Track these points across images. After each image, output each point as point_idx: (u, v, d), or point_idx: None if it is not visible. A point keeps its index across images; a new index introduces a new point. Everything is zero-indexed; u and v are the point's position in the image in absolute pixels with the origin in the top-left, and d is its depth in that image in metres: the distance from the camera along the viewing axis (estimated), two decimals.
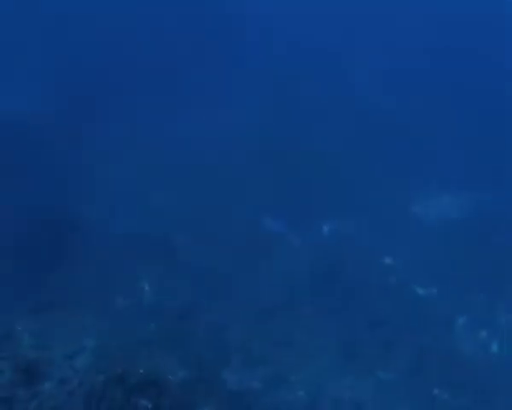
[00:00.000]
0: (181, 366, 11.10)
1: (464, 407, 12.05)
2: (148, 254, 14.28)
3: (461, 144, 19.43)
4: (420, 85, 21.77)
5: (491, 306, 14.50)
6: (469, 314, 14.23)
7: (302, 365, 12.58)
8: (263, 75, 20.81)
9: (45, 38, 20.32)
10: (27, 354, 8.99)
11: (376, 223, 16.43)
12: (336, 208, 16.76)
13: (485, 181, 18.06)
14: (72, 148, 16.77)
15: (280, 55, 22.18)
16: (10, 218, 14.04)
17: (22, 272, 12.89)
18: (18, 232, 13.75)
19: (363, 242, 15.82)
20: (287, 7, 24.03)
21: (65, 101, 18.13)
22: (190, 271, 14.07)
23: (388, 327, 13.70)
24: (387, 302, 14.29)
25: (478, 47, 23.25)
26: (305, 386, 11.75)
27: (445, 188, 17.84)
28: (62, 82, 18.74)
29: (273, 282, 14.47)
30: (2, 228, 13.73)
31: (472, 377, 12.60)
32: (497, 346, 13.56)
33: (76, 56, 19.94)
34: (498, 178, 18.47)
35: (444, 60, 23.02)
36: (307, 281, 14.70)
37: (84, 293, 12.56)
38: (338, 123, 19.68)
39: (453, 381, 12.39)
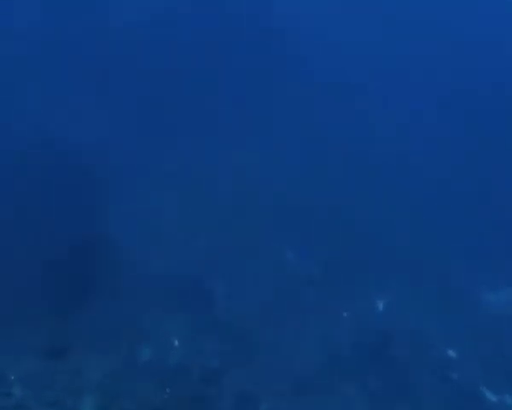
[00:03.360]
0: None
1: None
2: (182, 301, 13.28)
3: None
4: None
5: None
6: None
7: None
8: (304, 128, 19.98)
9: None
10: None
11: (439, 305, 14.35)
12: (393, 280, 14.92)
13: None
14: (117, 180, 16.35)
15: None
16: (42, 248, 13.59)
17: (45, 306, 12.23)
18: (45, 265, 13.18)
19: (422, 325, 13.77)
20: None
21: (115, 130, 17.95)
22: (224, 327, 12.87)
23: None
24: (447, 402, 12.03)
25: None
26: None
27: None
28: (113, 111, 18.63)
29: (313, 352, 12.87)
30: (28, 259, 13.22)
31: None
32: None
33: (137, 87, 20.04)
34: None
35: None
36: (351, 356, 12.96)
37: (107, 338, 11.68)
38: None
39: None
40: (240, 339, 12.61)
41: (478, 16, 26.45)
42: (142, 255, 14.10)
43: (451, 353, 13.12)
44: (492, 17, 26.73)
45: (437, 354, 13.14)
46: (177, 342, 12.07)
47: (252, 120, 19.62)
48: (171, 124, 19.00)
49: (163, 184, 16.70)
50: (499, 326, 13.84)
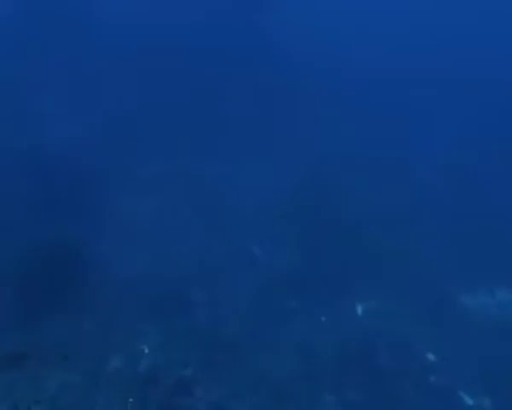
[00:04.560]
0: None
1: None
2: (158, 308, 12.94)
3: None
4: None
5: None
6: None
7: None
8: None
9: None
10: None
11: (419, 309, 14.17)
12: (374, 286, 14.69)
13: None
14: (98, 182, 16.15)
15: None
16: (12, 252, 13.20)
17: (10, 309, 11.80)
18: (16, 266, 12.82)
19: (402, 329, 13.57)
20: None
21: (102, 136, 17.84)
22: (200, 334, 12.51)
23: None
24: (426, 407, 11.81)
25: None
26: None
27: (502, 281, 15.39)
28: (102, 119, 18.58)
29: (290, 359, 12.56)
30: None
31: None
32: None
33: (120, 98, 20.02)
34: None
35: None
36: (331, 364, 12.64)
37: (75, 347, 11.22)
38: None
39: None
40: (216, 347, 12.35)
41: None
42: (118, 261, 13.84)
43: (431, 357, 12.93)
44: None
45: (417, 359, 12.91)
46: (147, 350, 11.67)
47: (238, 125, 19.48)
48: (155, 129, 18.97)
49: (142, 189, 16.49)
50: (479, 331, 13.68)
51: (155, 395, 10.52)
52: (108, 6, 22.58)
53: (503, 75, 24.67)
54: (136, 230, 15.03)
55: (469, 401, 11.94)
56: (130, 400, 9.94)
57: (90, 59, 20.86)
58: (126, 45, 21.62)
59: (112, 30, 21.93)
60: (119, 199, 15.83)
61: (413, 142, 20.84)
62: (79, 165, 16.32)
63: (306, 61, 22.99)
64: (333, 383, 12.26)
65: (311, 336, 13.15)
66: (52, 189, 15.54)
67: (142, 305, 12.81)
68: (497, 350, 13.07)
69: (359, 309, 14.05)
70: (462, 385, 12.24)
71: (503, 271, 15.53)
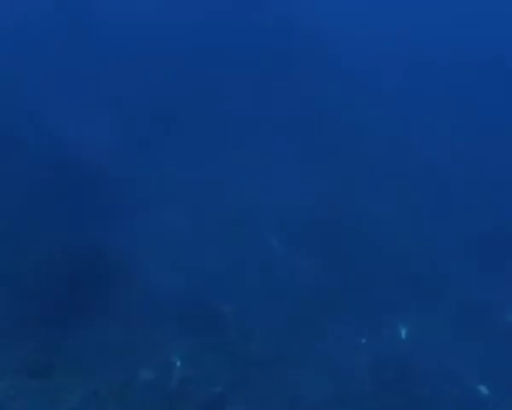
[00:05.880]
0: None
1: None
2: (188, 319, 11.99)
3: None
4: None
5: None
6: None
7: None
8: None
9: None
10: None
11: (468, 333, 12.97)
12: (417, 304, 13.61)
13: None
14: (126, 190, 15.08)
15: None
16: (43, 259, 12.28)
17: (40, 319, 10.90)
18: (45, 276, 11.94)
19: (448, 356, 12.42)
20: None
21: (124, 142, 16.72)
22: (230, 349, 11.61)
23: None
24: None
25: None
26: None
27: None
28: (124, 124, 17.47)
29: (324, 381, 11.50)
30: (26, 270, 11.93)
31: None
32: None
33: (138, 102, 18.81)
34: None
35: None
36: (367, 389, 11.58)
37: (102, 357, 10.38)
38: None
39: None
40: (247, 364, 11.38)
41: None
42: (147, 270, 12.90)
43: (484, 390, 11.70)
44: None
45: (467, 390, 11.74)
46: (179, 364, 10.79)
47: (240, 125, 18.53)
48: (182, 137, 17.83)
49: (167, 198, 15.38)
50: None
51: None
52: (108, 6, 21.82)
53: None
54: (163, 241, 13.98)
55: None
56: None
57: (90, 60, 19.90)
58: (127, 45, 20.64)
59: (113, 30, 20.92)
60: (141, 209, 14.70)
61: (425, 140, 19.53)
62: (105, 174, 15.19)
63: (307, 61, 22.30)
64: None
65: (348, 355, 11.98)
66: (78, 195, 14.55)
67: (172, 317, 11.89)
68: None
69: (402, 332, 12.85)
70: None
71: None
